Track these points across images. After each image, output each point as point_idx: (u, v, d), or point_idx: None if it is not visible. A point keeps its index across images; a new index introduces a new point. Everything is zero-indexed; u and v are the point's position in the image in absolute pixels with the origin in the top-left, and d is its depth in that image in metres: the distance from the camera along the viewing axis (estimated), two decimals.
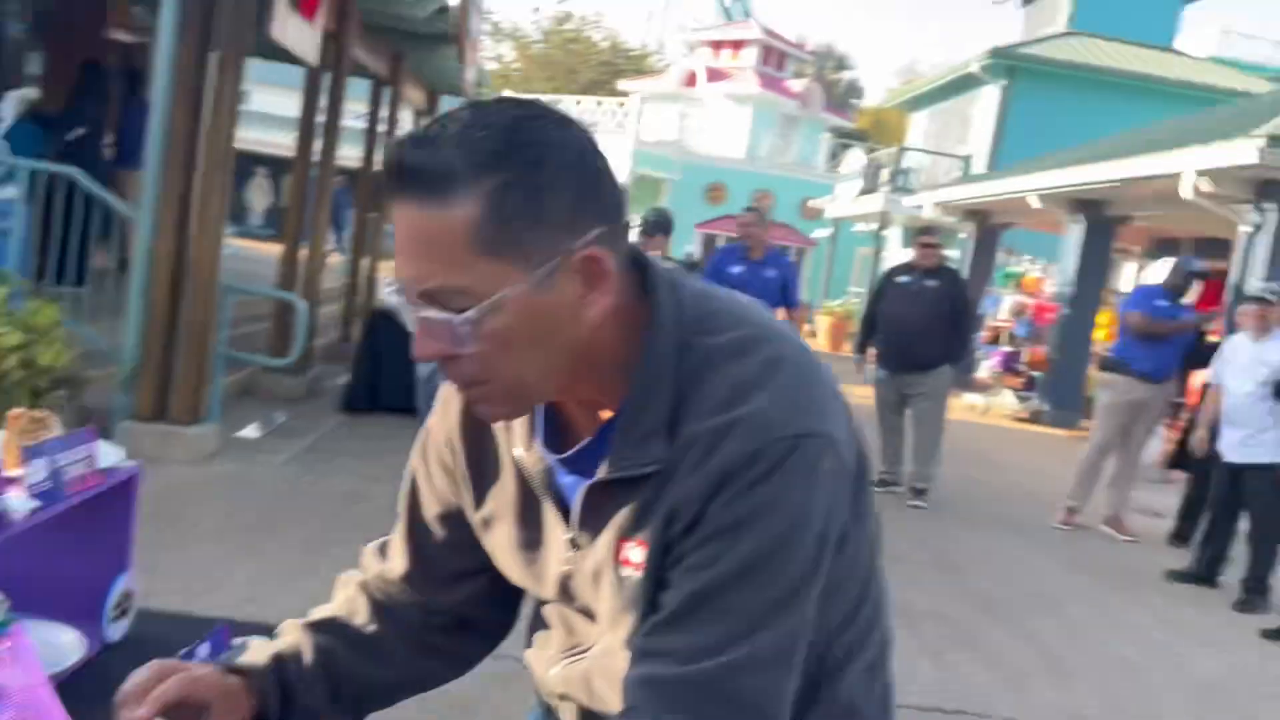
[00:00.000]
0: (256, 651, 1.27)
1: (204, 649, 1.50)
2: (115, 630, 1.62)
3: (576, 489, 1.10)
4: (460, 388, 1.04)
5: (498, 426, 1.15)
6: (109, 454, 1.55)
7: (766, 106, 28.27)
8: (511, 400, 1.04)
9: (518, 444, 1.13)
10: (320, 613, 1.30)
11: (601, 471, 1.06)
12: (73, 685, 1.43)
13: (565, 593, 1.15)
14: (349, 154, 10.05)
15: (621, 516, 1.06)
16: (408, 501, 1.27)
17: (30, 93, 8.54)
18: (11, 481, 1.31)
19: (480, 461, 1.19)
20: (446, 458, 1.21)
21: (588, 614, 1.15)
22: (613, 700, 1.08)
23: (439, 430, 1.22)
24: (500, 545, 1.19)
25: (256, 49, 6.93)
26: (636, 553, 1.05)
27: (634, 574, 1.06)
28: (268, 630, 1.79)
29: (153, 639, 1.63)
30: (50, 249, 6.60)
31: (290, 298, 7.20)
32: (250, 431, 6.85)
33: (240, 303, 7.32)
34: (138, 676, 1.14)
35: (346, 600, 1.30)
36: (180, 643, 1.46)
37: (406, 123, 11.56)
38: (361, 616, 1.26)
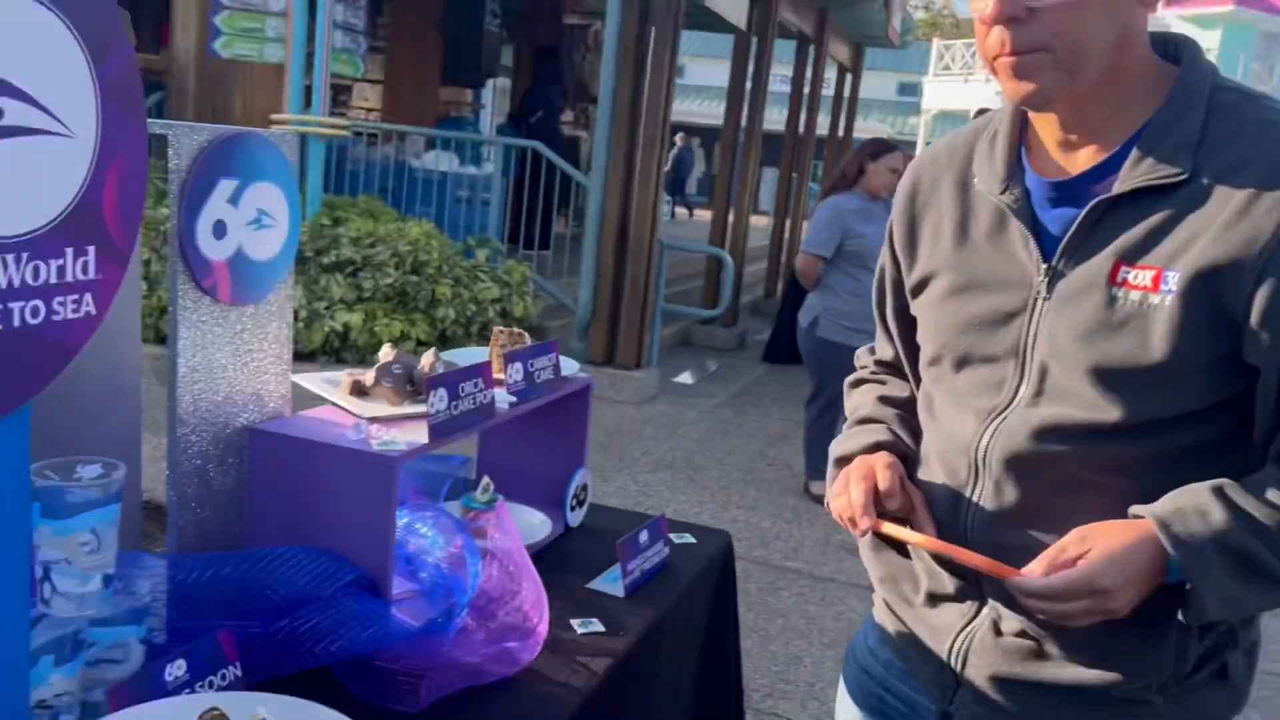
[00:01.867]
0: (864, 433, 1.38)
1: (644, 535, 1.77)
2: (574, 517, 1.94)
3: (1058, 220, 1.16)
4: (1018, 55, 1.09)
5: (972, 169, 1.24)
6: (568, 366, 1.86)
7: (1241, 26, 24.71)
8: (1064, 72, 1.09)
9: (988, 182, 1.21)
10: (863, 410, 1.43)
11: (1119, 186, 1.10)
12: (538, 559, 1.75)
13: (1011, 343, 1.18)
14: (775, 118, 10.39)
15: (1124, 239, 1.10)
16: (877, 294, 1.41)
17: (502, 82, 9.82)
18: (498, 383, 1.64)
19: (925, 223, 1.29)
20: (900, 236, 1.32)
21: (1017, 364, 1.18)
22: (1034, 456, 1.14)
23: (895, 213, 1.34)
24: (943, 303, 1.25)
25: (690, 20, 7.40)
26: (1140, 275, 1.09)
27: (1133, 295, 1.09)
28: (696, 528, 2.04)
29: (602, 527, 1.93)
30: (521, 217, 7.60)
31: (718, 253, 7.67)
32: (685, 377, 7.44)
33: (676, 262, 7.94)
34: (854, 488, 1.25)
35: (866, 394, 1.44)
36: (626, 531, 1.73)
37: (830, 82, 11.66)
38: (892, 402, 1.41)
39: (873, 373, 1.49)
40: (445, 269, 6.06)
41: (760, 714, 3.11)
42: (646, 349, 6.78)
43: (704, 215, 10.68)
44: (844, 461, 1.32)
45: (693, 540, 1.97)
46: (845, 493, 1.26)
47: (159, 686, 1.16)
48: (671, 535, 1.94)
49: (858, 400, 1.45)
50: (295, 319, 5.72)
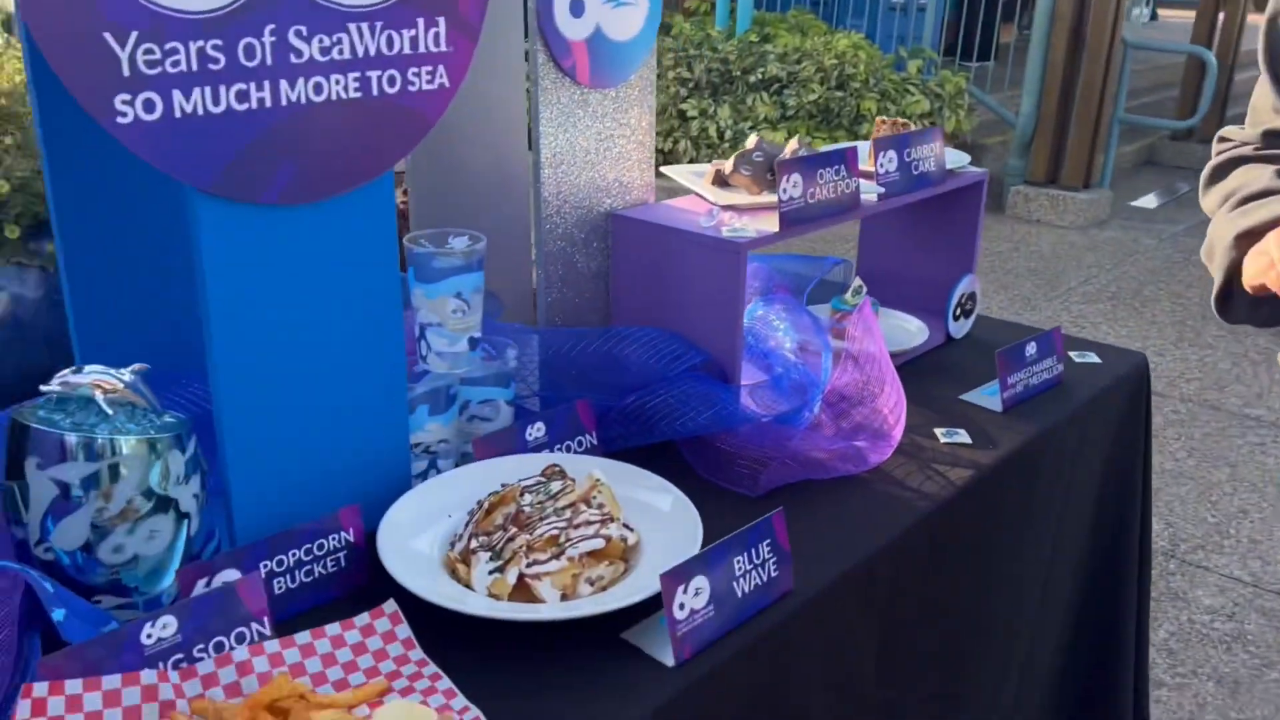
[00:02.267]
0: (1272, 205, 1.21)
1: (1031, 347, 1.59)
2: (957, 328, 1.80)
3: None
4: None
5: None
6: (955, 158, 1.68)
7: None
8: None
9: None
10: (1257, 184, 1.23)
11: None
12: (910, 367, 1.65)
13: None
14: None
15: None
16: (1267, 48, 1.25)
17: None
18: (866, 175, 1.52)
19: None
20: None
21: None
22: None
23: None
24: None
25: None
26: None
27: None
28: (1105, 348, 1.81)
29: (989, 340, 1.77)
30: (961, 24, 7.00)
31: (1200, 52, 6.53)
32: (1147, 200, 6.58)
33: (1143, 69, 6.89)
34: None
35: (1256, 171, 1.25)
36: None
37: None
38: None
39: (1257, 149, 1.22)
40: (872, 83, 5.79)
41: (1187, 565, 2.80)
42: (1098, 167, 6.07)
43: (1183, 14, 9.14)
44: (1250, 237, 1.08)
45: (1096, 360, 1.74)
46: (1266, 254, 1.04)
47: (520, 443, 1.26)
48: (1071, 353, 1.74)
49: (1243, 178, 1.18)
50: (719, 138, 5.88)
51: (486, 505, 1.09)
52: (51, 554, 0.93)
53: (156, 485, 0.96)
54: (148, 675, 0.85)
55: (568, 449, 1.29)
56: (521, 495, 1.09)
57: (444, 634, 0.99)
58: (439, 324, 1.22)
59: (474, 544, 1.06)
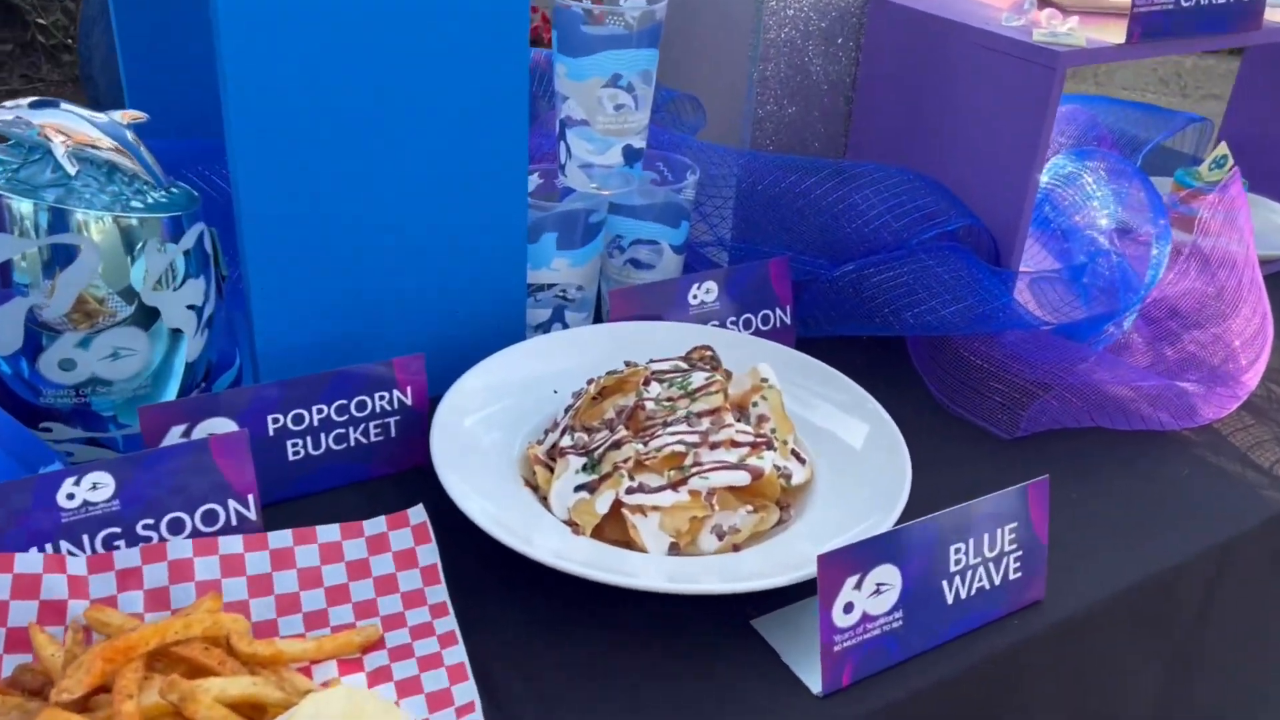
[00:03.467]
0: None
1: None
2: None
3: None
4: None
5: None
6: None
7: None
8: None
9: None
10: None
11: None
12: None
13: None
14: None
15: None
16: None
17: None
18: None
19: None
20: None
21: None
22: None
23: None
24: None
25: None
26: None
27: None
28: None
29: None
30: None
31: None
32: None
33: None
34: None
35: None
36: None
37: None
38: None
39: None
40: None
41: None
42: None
43: None
44: None
45: None
46: None
47: (678, 306, 0.90)
48: None
49: None
50: None
51: (598, 388, 0.75)
52: None
53: (139, 285, 0.68)
54: (28, 559, 0.58)
55: (745, 324, 0.93)
56: (647, 383, 0.74)
57: (490, 566, 0.68)
58: (585, 121, 0.86)
59: (566, 440, 0.72)
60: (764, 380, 0.76)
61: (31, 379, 0.68)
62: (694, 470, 0.68)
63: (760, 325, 0.94)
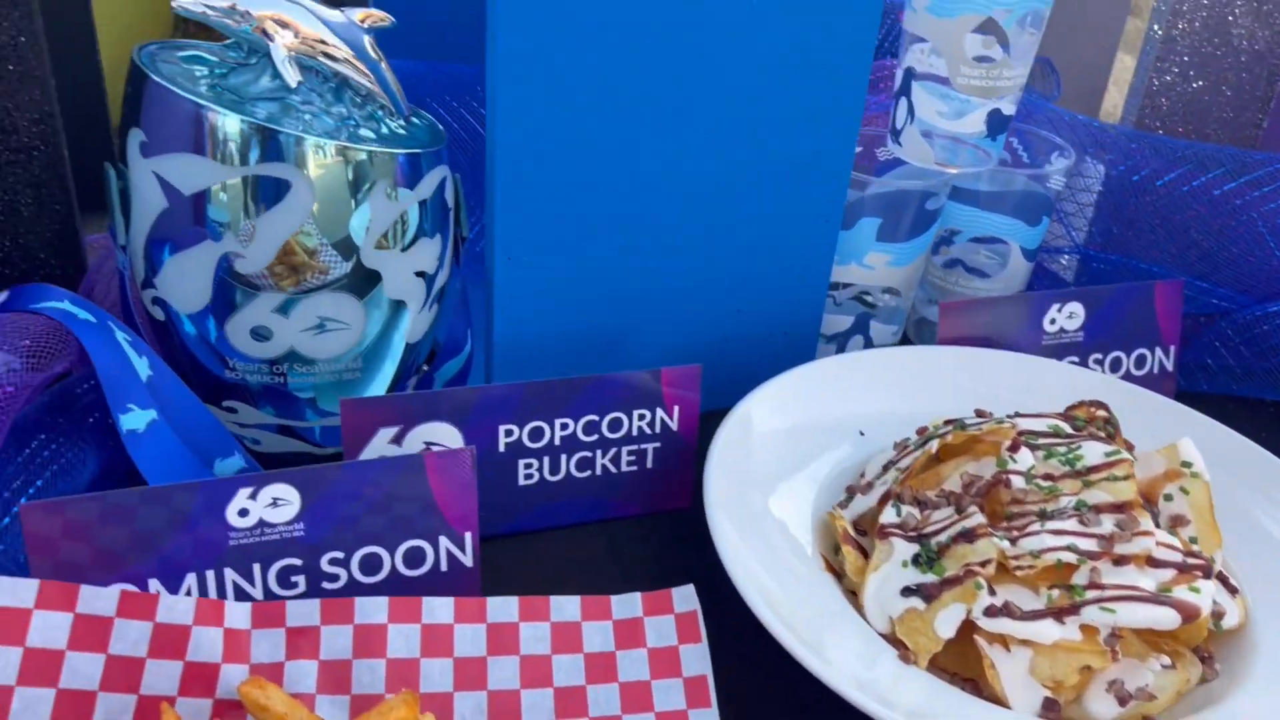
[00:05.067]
0: None
1: None
2: None
3: None
4: None
5: None
6: None
7: None
8: None
9: None
10: None
11: None
12: None
13: None
14: None
15: None
16: None
17: None
18: None
19: None
20: None
21: None
22: None
23: None
24: None
25: None
26: None
27: None
28: None
29: None
30: None
31: None
32: None
33: None
34: None
35: None
36: None
37: None
38: None
39: None
40: None
41: None
42: None
43: None
44: None
45: None
46: None
47: (1028, 331, 0.67)
48: None
49: None
50: None
51: (936, 447, 0.54)
52: (161, 309, 0.53)
53: (359, 238, 0.52)
54: (177, 606, 0.43)
55: (1113, 365, 0.69)
56: (1014, 449, 0.53)
57: (759, 665, 0.48)
58: (941, 73, 0.64)
59: (890, 515, 0.52)
60: (1185, 465, 0.53)
61: (219, 345, 0.53)
62: (1091, 595, 0.46)
63: (1133, 368, 0.70)
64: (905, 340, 0.77)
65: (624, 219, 0.59)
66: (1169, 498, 0.53)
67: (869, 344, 0.71)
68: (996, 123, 0.65)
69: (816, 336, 0.69)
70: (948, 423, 0.56)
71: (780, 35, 0.57)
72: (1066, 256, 0.78)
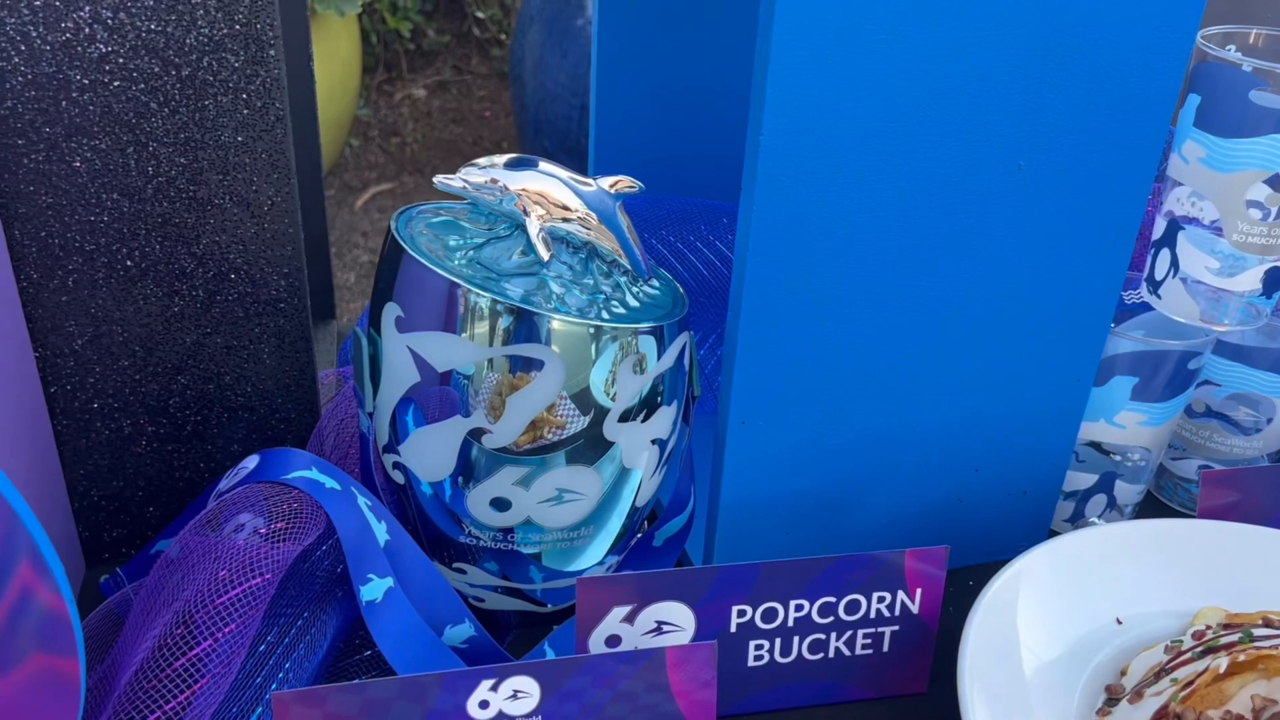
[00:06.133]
0: None
1: None
2: None
3: None
4: None
5: None
6: None
7: None
8: None
9: None
10: None
11: None
12: None
13: None
14: None
15: None
16: None
17: None
18: None
19: None
20: None
21: None
22: None
23: None
24: None
25: None
26: None
27: None
28: None
29: None
30: None
31: None
32: None
33: None
34: None
35: None
36: None
37: None
38: None
39: None
40: None
41: None
42: None
43: None
44: None
45: None
46: None
47: None
48: None
49: None
50: None
51: (1228, 661, 0.49)
52: (401, 474, 0.53)
53: (603, 410, 0.50)
54: None
55: None
56: None
57: None
58: (1215, 225, 0.59)
59: None
60: None
61: (455, 506, 0.53)
62: None
63: None
64: (1148, 496, 0.71)
65: (866, 380, 0.56)
66: None
67: (1112, 503, 0.66)
68: (1273, 280, 0.59)
69: (1057, 497, 0.64)
70: (1227, 627, 0.51)
71: (1048, 188, 0.53)
72: None
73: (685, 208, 0.67)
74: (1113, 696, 0.52)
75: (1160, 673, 0.51)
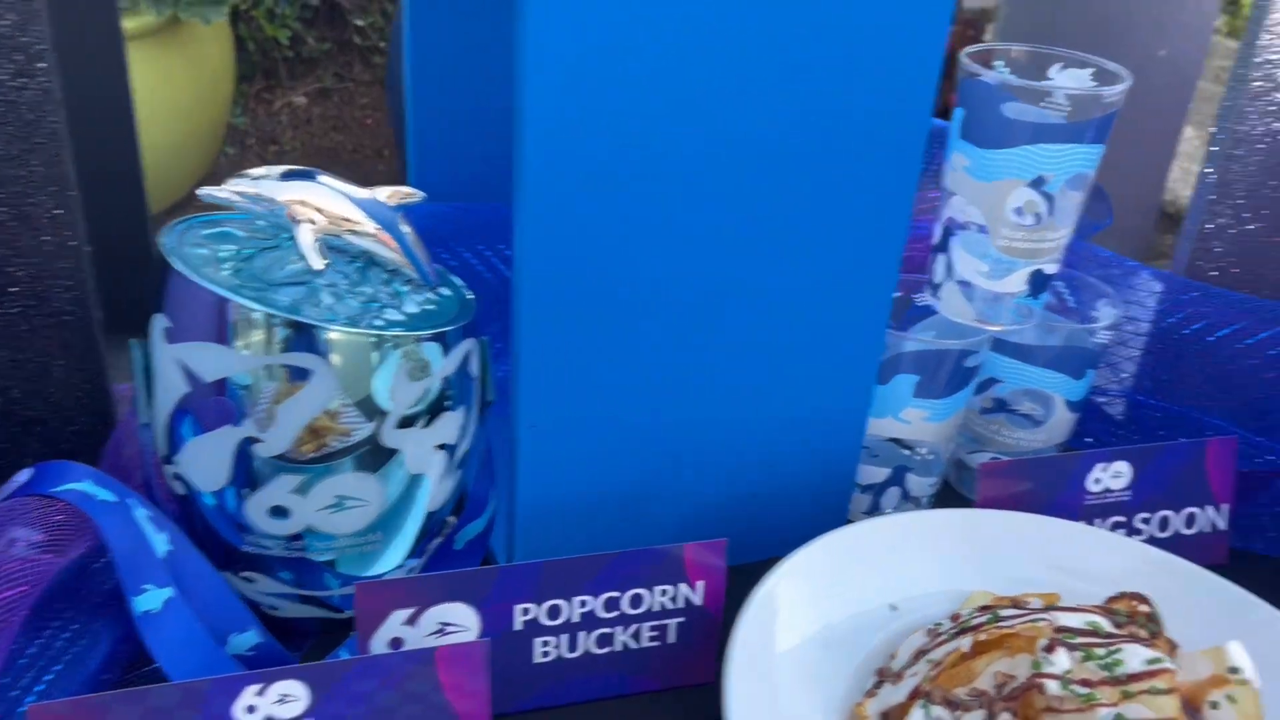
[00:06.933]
0: None
1: None
2: None
3: None
4: None
5: None
6: None
7: None
8: None
9: None
10: None
11: None
12: None
13: None
14: None
15: None
16: None
17: None
18: None
19: None
20: None
21: None
22: None
23: None
24: None
25: None
26: None
27: None
28: None
29: None
30: None
31: None
32: None
33: None
34: None
35: None
36: None
37: None
38: None
39: None
40: None
41: None
42: None
43: None
44: None
45: None
46: None
47: (1068, 492, 0.65)
48: None
49: None
50: None
51: (972, 644, 0.52)
52: (182, 485, 0.53)
53: (380, 416, 0.51)
54: None
55: (1161, 524, 0.66)
56: (1050, 649, 0.50)
57: None
58: (982, 229, 0.62)
59: (919, 716, 0.50)
60: (1233, 670, 0.50)
61: (237, 515, 0.53)
62: None
63: (1182, 528, 0.67)
64: (945, 486, 0.74)
65: (652, 382, 0.58)
66: (1215, 705, 0.50)
67: (906, 495, 0.69)
68: (1039, 282, 0.63)
69: (850, 490, 0.67)
70: (983, 609, 0.54)
71: (813, 195, 0.56)
72: (1111, 399, 0.76)
73: (496, 215, 0.69)
74: (881, 679, 0.55)
75: (919, 654, 0.54)
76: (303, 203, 0.51)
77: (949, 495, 0.74)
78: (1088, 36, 0.88)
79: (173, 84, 1.81)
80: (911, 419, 0.66)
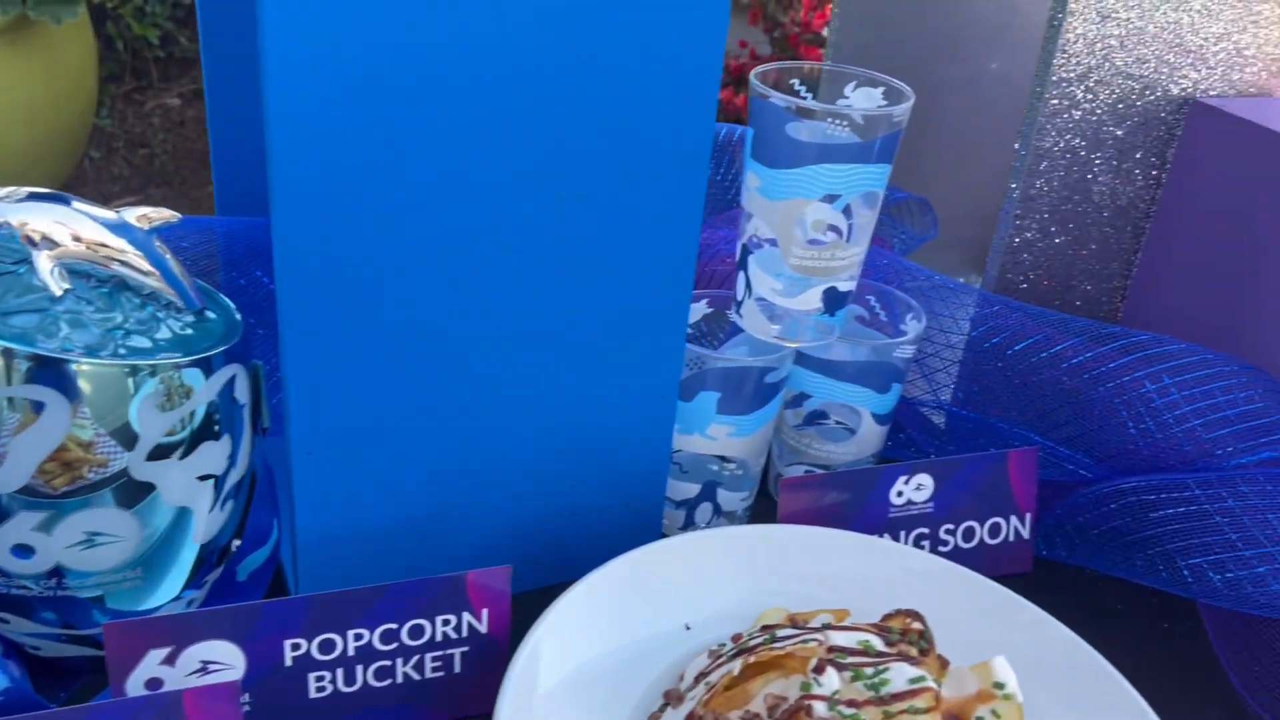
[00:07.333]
0: None
1: None
2: None
3: None
4: None
5: None
6: None
7: None
8: None
9: None
10: None
11: None
12: None
13: None
14: None
15: None
16: None
17: None
18: None
19: None
20: None
21: None
22: None
23: None
24: None
25: None
26: None
27: None
28: None
29: None
30: None
31: None
32: None
33: None
34: None
35: None
36: None
37: None
38: None
39: None
40: None
41: None
42: None
43: None
44: None
45: None
46: None
47: (873, 505, 0.65)
48: None
49: None
50: None
51: (742, 667, 0.52)
52: None
53: (129, 451, 0.49)
54: None
55: (966, 535, 0.67)
56: (820, 670, 0.50)
57: None
58: (775, 244, 0.62)
59: None
60: (998, 685, 0.51)
61: None
62: None
63: (987, 537, 0.68)
64: (767, 499, 0.74)
65: (435, 408, 0.56)
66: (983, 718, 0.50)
67: (718, 511, 0.69)
68: (833, 299, 0.63)
69: (661, 505, 0.66)
70: (764, 629, 0.54)
71: (595, 216, 0.55)
72: (930, 408, 0.77)
73: None
74: (666, 702, 0.54)
75: (700, 676, 0.53)
76: (43, 228, 0.48)
77: (770, 509, 0.75)
78: (919, 50, 0.89)
79: (27, 85, 1.73)
80: (718, 435, 0.66)
